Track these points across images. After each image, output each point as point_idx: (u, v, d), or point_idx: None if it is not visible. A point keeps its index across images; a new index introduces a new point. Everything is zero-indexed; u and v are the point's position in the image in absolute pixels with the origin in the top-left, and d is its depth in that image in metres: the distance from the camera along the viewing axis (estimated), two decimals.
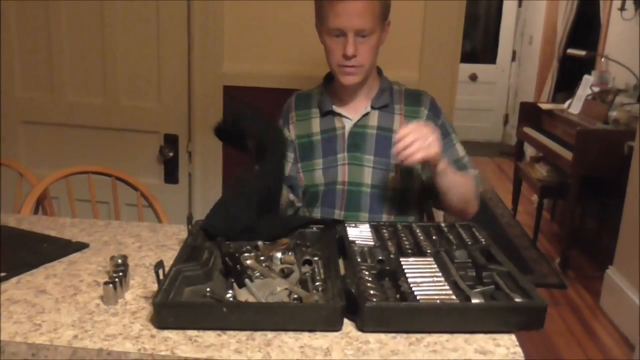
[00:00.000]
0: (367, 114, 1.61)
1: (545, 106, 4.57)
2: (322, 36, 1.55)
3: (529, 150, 5.32)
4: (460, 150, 1.64)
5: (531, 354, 2.80)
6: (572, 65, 5.10)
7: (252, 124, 1.40)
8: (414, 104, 1.63)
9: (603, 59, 4.44)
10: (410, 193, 1.63)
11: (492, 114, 7.60)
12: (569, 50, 4.68)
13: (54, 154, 2.35)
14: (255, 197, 1.36)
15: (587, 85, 4.18)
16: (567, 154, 3.70)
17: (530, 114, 4.65)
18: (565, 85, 4.96)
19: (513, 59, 7.35)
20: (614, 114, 3.61)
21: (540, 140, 4.28)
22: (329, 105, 1.64)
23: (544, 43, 6.05)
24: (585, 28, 5.17)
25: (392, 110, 1.62)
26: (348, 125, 1.62)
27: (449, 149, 1.60)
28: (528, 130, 4.55)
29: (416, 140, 1.33)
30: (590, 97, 4.04)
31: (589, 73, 4.32)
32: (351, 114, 1.63)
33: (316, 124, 1.65)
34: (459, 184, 1.52)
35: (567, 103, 4.37)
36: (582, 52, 4.26)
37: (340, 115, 1.63)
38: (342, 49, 1.48)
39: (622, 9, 4.16)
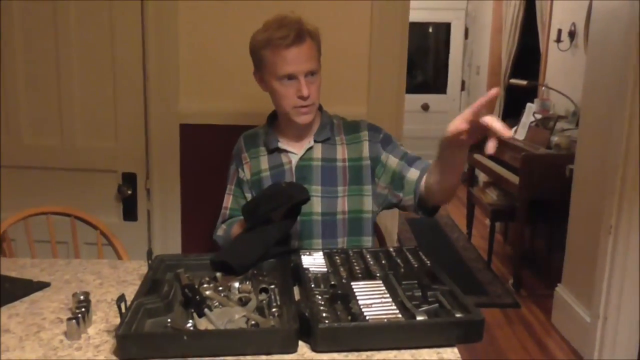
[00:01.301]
0: (311, 147, 1.71)
1: None
2: (269, 83, 1.64)
3: (482, 176, 5.51)
4: (405, 149, 1.72)
5: None
6: (518, 93, 5.35)
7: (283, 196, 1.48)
8: (354, 132, 1.74)
9: (544, 88, 4.69)
10: (360, 215, 1.71)
11: None
12: (512, 80, 4.93)
13: (12, 196, 2.36)
14: (269, 243, 1.46)
15: (530, 113, 4.40)
16: (515, 179, 3.88)
17: (479, 141, 4.83)
18: (513, 113, 5.19)
19: (462, 88, 7.63)
20: (555, 139, 3.81)
21: (490, 166, 4.46)
22: (274, 142, 1.73)
23: (490, 73, 6.33)
24: (528, 59, 5.45)
25: (334, 142, 1.73)
26: (294, 159, 1.72)
27: (395, 149, 1.70)
28: (478, 157, 4.74)
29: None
30: (534, 123, 4.26)
31: (533, 101, 4.56)
32: (296, 149, 1.73)
33: (264, 161, 1.75)
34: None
35: (513, 130, 4.58)
36: (524, 82, 4.49)
37: (286, 151, 1.73)
38: (296, 91, 1.59)
39: (558, 40, 4.43)
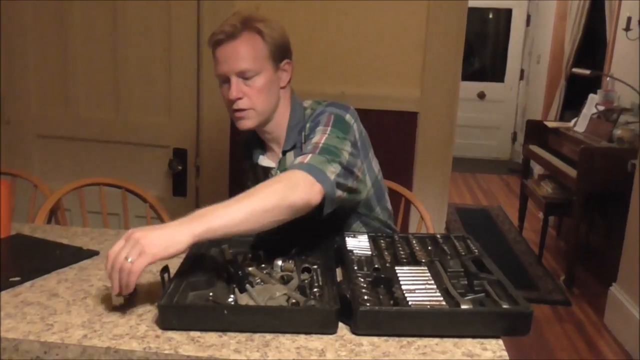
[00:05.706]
0: (281, 159, 1.57)
1: (551, 124, 4.62)
2: None
3: (537, 168, 5.35)
4: (318, 138, 1.41)
5: None
6: (580, 84, 5.14)
7: None
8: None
9: (608, 78, 4.49)
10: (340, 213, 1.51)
11: (500, 131, 7.65)
12: (575, 70, 4.74)
13: (68, 166, 2.43)
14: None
15: (592, 104, 4.22)
16: (572, 172, 3.73)
17: (536, 131, 4.69)
18: (573, 104, 5.00)
19: (521, 77, 7.41)
20: (618, 132, 3.65)
21: (546, 157, 4.32)
22: (255, 156, 1.63)
23: (551, 62, 6.11)
24: (593, 47, 5.22)
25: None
26: (273, 173, 1.58)
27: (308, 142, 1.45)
28: (534, 148, 4.59)
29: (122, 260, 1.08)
30: (596, 115, 4.09)
31: (596, 92, 4.37)
32: (274, 160, 1.60)
33: (257, 172, 1.65)
34: (241, 221, 1.17)
35: (573, 121, 4.41)
36: (587, 72, 4.31)
37: (263, 166, 1.61)
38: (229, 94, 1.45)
39: (627, 29, 4.22)
